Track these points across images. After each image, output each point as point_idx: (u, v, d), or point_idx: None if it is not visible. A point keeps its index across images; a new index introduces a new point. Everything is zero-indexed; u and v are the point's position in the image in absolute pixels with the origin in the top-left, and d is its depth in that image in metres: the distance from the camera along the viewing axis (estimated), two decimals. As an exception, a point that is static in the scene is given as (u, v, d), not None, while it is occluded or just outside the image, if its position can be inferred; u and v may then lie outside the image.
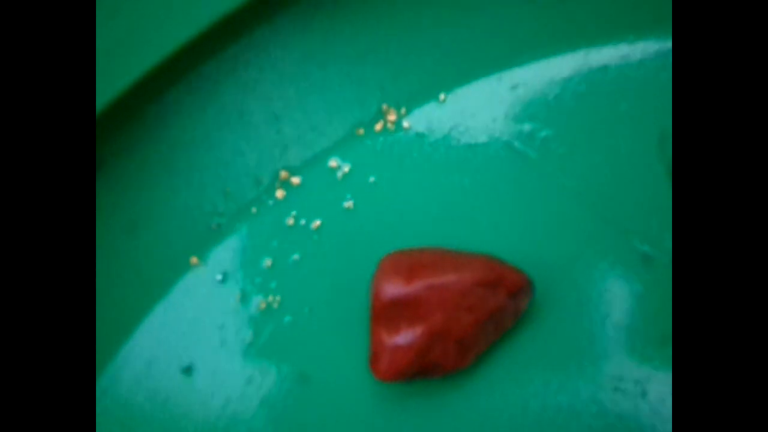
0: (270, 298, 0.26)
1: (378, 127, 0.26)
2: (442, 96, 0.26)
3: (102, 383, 0.26)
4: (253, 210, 0.26)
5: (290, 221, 0.26)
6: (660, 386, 0.25)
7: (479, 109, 0.26)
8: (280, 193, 0.26)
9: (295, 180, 0.26)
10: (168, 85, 0.26)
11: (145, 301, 0.26)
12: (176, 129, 0.26)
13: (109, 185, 0.26)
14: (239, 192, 0.26)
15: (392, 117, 0.26)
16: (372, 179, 0.26)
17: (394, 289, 0.24)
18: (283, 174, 0.26)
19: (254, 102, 0.26)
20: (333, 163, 0.26)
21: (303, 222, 0.26)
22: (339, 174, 0.26)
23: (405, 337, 0.24)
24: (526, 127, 0.26)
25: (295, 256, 0.26)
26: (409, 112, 0.26)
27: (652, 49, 0.26)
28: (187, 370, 0.26)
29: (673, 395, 0.24)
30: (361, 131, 0.26)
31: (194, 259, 0.26)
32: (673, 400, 0.24)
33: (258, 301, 0.26)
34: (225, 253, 0.26)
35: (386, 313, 0.24)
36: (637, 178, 0.26)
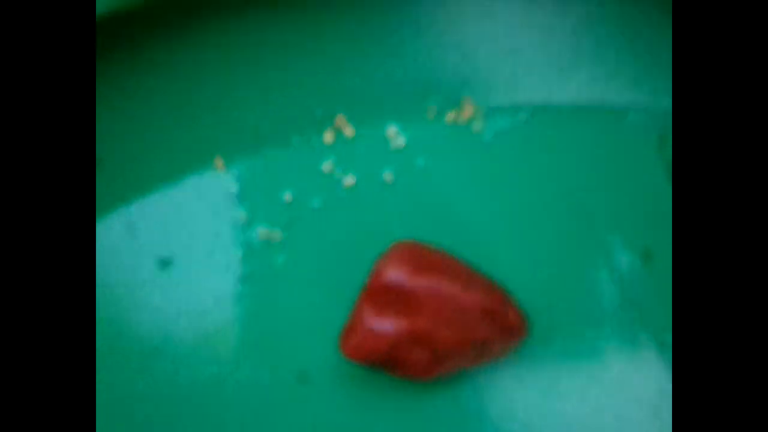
0: (274, 231, 0.25)
1: (449, 117, 0.26)
2: (523, 116, 0.26)
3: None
4: (295, 141, 0.25)
5: (326, 167, 0.25)
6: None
7: (546, 143, 0.26)
8: (328, 137, 0.25)
9: (349, 131, 0.25)
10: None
11: (154, 179, 0.25)
12: (267, 41, 0.26)
13: (192, 48, 0.25)
14: (289, 119, 0.26)
15: (467, 114, 0.25)
16: (420, 162, 0.25)
17: (396, 275, 0.23)
18: (340, 119, 0.25)
19: (345, 42, 0.26)
20: (391, 131, 0.25)
21: (338, 174, 0.25)
22: (392, 144, 0.25)
23: (385, 325, 0.23)
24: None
25: (316, 203, 0.25)
26: (485, 116, 0.26)
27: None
28: (165, 262, 0.25)
29: (673, 394, 0.24)
30: (432, 114, 0.26)
31: (220, 162, 0.25)
32: (673, 398, 0.24)
33: (261, 229, 0.25)
34: (251, 171, 0.25)
35: (378, 296, 0.23)
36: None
